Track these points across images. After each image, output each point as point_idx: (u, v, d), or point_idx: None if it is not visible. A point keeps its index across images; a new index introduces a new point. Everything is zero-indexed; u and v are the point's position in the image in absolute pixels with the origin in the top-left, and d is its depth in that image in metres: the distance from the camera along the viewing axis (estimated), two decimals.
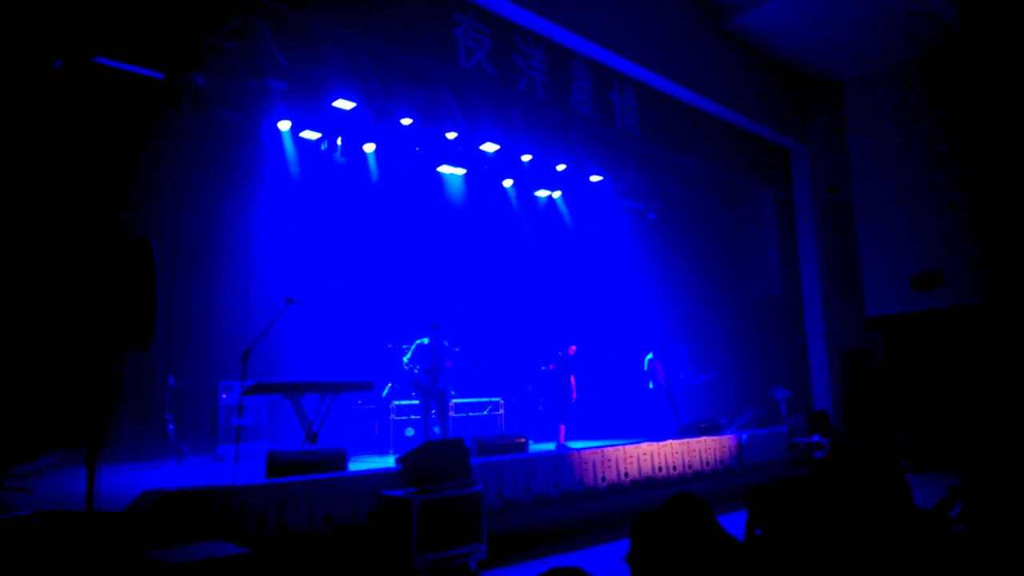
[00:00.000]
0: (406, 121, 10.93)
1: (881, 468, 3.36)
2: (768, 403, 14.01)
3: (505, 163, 13.24)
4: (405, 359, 10.60)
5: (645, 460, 9.93)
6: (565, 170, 13.40)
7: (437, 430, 10.50)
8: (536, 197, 15.55)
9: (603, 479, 9.33)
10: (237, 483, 6.33)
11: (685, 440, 10.73)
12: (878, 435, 14.49)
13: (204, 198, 11.29)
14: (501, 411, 12.86)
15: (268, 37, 8.62)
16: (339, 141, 12.04)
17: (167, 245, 10.67)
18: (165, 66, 9.04)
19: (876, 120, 15.55)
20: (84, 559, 5.30)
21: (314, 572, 6.45)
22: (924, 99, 14.87)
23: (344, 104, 10.32)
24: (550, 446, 11.41)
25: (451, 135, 11.63)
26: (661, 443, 10.33)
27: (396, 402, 11.58)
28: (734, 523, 4.56)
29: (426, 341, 10.48)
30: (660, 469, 10.09)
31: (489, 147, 12.27)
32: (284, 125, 11.32)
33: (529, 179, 14.45)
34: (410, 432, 11.47)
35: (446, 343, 10.59)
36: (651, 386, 12.75)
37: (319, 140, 12.00)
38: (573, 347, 11.86)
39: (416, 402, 11.68)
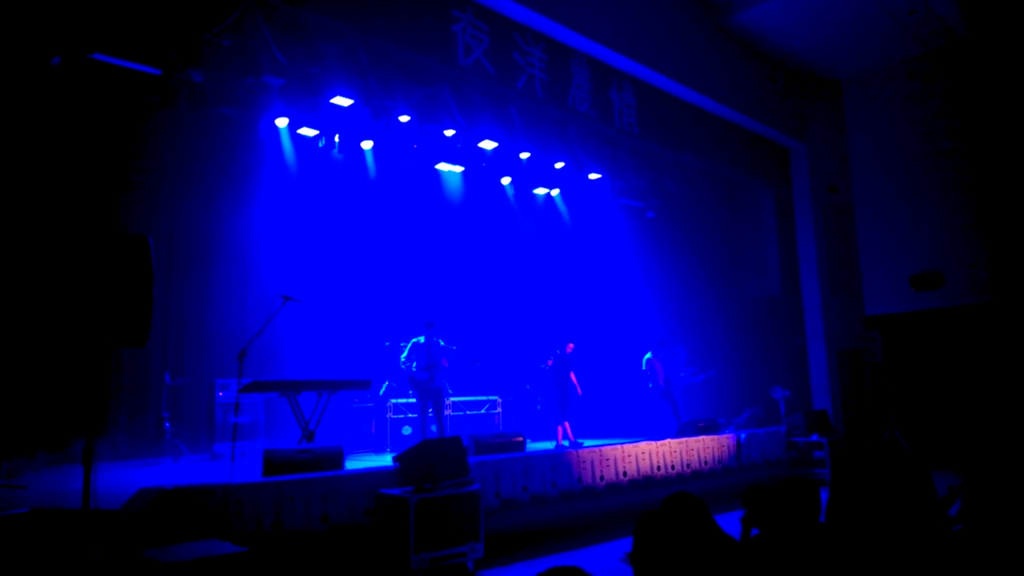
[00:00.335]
0: (404, 118, 10.88)
1: (909, 469, 3.35)
2: (767, 402, 14.00)
3: (503, 161, 13.20)
4: (402, 357, 10.58)
5: (644, 459, 9.91)
6: (563, 168, 13.36)
7: (434, 428, 10.48)
8: (534, 195, 15.52)
9: (601, 478, 9.30)
10: (234, 481, 6.30)
11: (684, 439, 10.70)
12: (877, 434, 14.48)
13: (201, 195, 11.26)
14: (499, 410, 12.83)
15: (266, 33, 8.58)
16: (337, 138, 12.00)
17: (164, 242, 10.64)
18: (162, 63, 9.00)
19: (876, 119, 15.53)
20: (80, 557, 5.28)
21: (311, 571, 6.42)
22: (924, 98, 14.85)
23: (342, 101, 10.27)
24: (548, 445, 11.39)
25: (449, 132, 11.59)
26: (660, 442, 10.31)
27: (393, 400, 11.56)
28: (733, 523, 4.54)
29: (422, 339, 10.46)
30: (659, 468, 10.06)
31: (487, 144, 12.23)
32: (282, 122, 11.28)
33: (527, 177, 14.42)
34: (407, 431, 11.45)
35: (441, 342, 10.57)
36: (650, 385, 12.72)
37: (317, 137, 11.96)
38: (571, 345, 11.83)
39: (413, 400, 11.66)
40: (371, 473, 7.20)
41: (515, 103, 10.87)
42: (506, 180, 14.70)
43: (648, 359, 12.76)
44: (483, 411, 12.67)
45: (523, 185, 15.10)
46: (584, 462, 9.16)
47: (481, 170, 13.85)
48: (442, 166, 13.92)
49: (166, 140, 10.87)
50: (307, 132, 11.84)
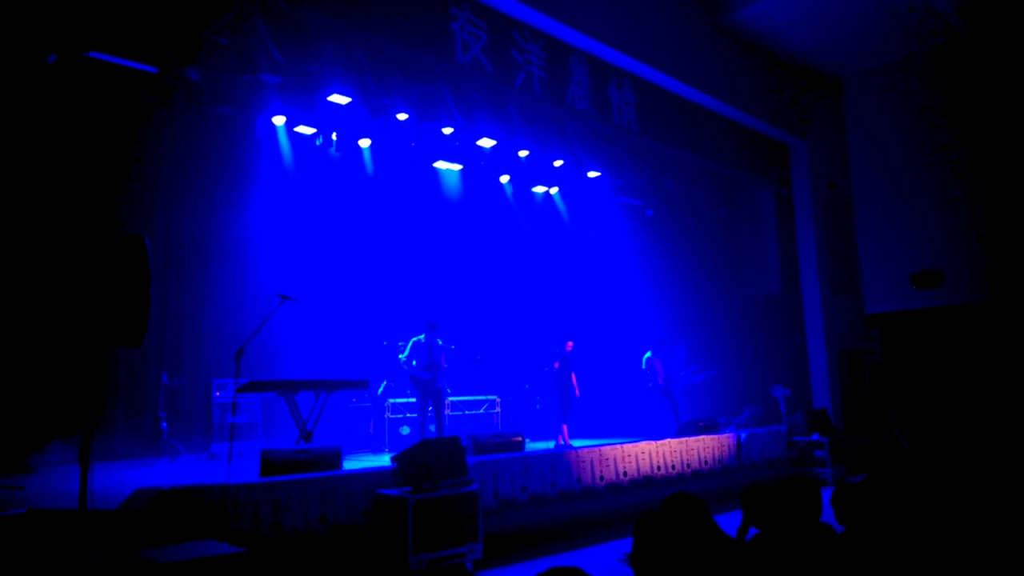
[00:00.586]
0: (402, 116, 10.85)
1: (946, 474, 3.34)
2: (767, 401, 13.97)
3: (502, 159, 13.17)
4: (402, 356, 10.55)
5: (644, 459, 9.88)
6: (562, 166, 13.33)
7: (433, 428, 10.44)
8: (533, 193, 15.50)
9: (601, 478, 9.27)
10: (231, 482, 6.27)
11: (684, 439, 10.67)
12: (878, 433, 14.46)
13: (198, 194, 11.24)
14: (497, 409, 12.81)
15: (263, 31, 8.55)
16: (334, 136, 11.96)
17: (160, 241, 10.62)
18: (159, 61, 8.97)
19: (876, 116, 15.50)
20: (77, 557, 5.25)
21: (309, 572, 6.39)
22: (924, 95, 14.82)
23: (339, 99, 10.25)
24: (547, 445, 11.36)
25: (447, 130, 11.56)
26: (660, 442, 10.28)
27: (391, 400, 11.53)
28: (733, 522, 4.51)
29: (422, 338, 10.42)
30: (659, 468, 10.03)
31: (486, 142, 12.20)
32: (279, 120, 11.24)
33: (526, 175, 14.39)
34: (405, 430, 11.42)
35: (440, 342, 10.53)
36: (650, 384, 12.69)
37: (314, 135, 11.93)
38: (570, 343, 11.80)
39: (412, 400, 11.64)
40: (369, 473, 7.16)
41: (513, 101, 10.84)
42: (505, 178, 14.68)
43: (648, 358, 12.73)
44: (482, 411, 12.64)
45: (522, 183, 15.07)
46: (584, 462, 9.13)
47: (479, 168, 13.81)
48: (440, 164, 13.89)
49: (163, 138, 10.85)
50: (304, 130, 11.81)
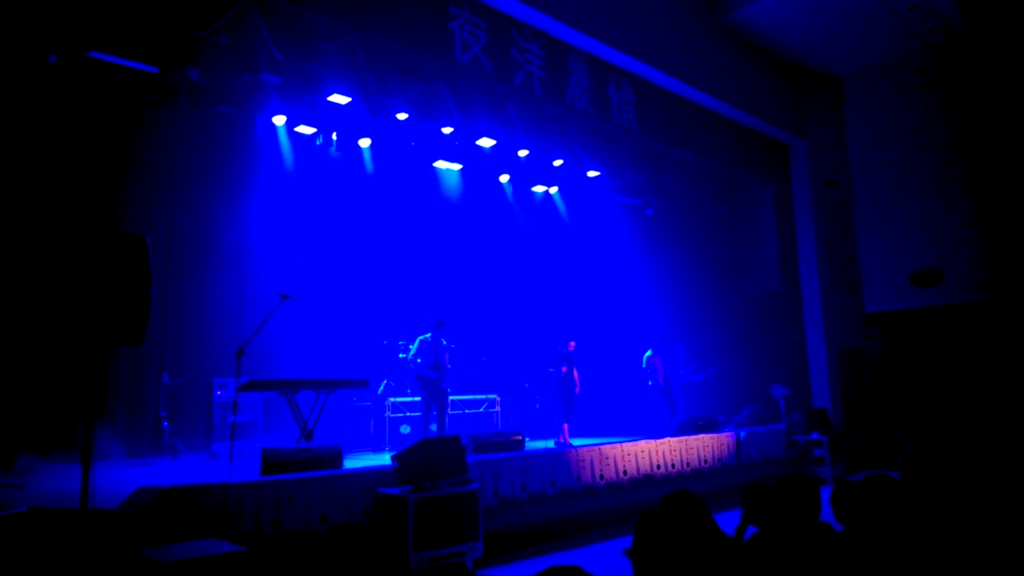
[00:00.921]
0: (402, 116, 10.86)
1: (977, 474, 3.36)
2: (767, 400, 13.99)
3: (502, 158, 13.16)
4: (409, 355, 10.57)
5: (643, 458, 9.90)
6: (562, 165, 13.34)
7: (434, 428, 10.46)
8: (533, 192, 15.50)
9: (601, 477, 9.28)
10: (232, 480, 6.29)
11: (683, 438, 10.69)
12: (877, 432, 14.47)
13: (199, 193, 11.25)
14: (497, 408, 12.82)
15: (263, 31, 8.57)
16: (334, 136, 11.96)
17: (161, 241, 10.61)
18: (159, 60, 8.98)
19: (876, 115, 15.50)
20: (78, 556, 5.26)
21: (309, 570, 6.41)
22: (924, 94, 14.82)
23: (339, 99, 10.26)
24: (547, 444, 11.36)
25: (447, 130, 11.56)
26: (659, 441, 10.30)
27: (392, 399, 11.54)
28: (733, 521, 4.52)
29: (428, 337, 10.41)
30: (659, 467, 10.05)
31: (485, 142, 12.21)
32: (279, 120, 11.25)
33: (526, 174, 14.38)
34: (405, 429, 11.43)
35: (444, 342, 10.53)
36: (649, 383, 12.70)
37: (314, 135, 11.93)
38: (572, 343, 11.80)
39: (412, 399, 11.66)
40: (370, 472, 7.18)
41: (513, 100, 10.85)
42: (504, 178, 14.68)
43: (648, 356, 12.74)
44: (482, 410, 12.66)
45: (521, 183, 15.07)
46: (583, 461, 9.15)
47: (479, 168, 13.81)
48: (440, 164, 13.90)
49: (163, 138, 10.86)
50: (305, 130, 11.82)
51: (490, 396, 12.88)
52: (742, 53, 14.00)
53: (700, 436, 10.93)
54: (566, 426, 11.39)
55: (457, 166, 14.08)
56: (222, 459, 9.55)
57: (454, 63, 9.37)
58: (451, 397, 11.94)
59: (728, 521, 4.01)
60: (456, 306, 13.75)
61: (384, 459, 8.69)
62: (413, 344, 10.58)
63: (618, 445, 9.70)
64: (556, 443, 11.22)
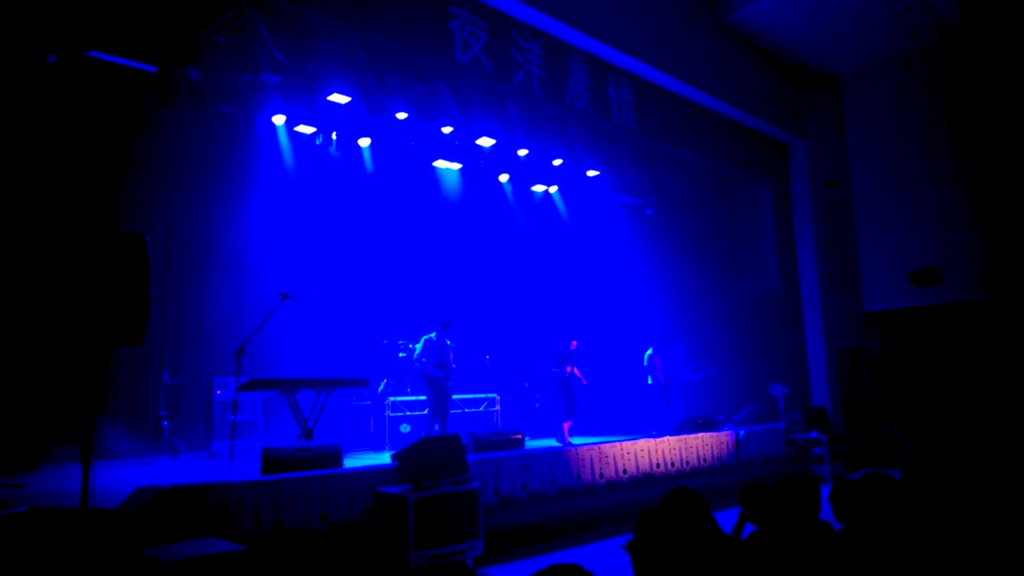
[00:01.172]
0: (402, 115, 10.86)
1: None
2: (766, 399, 14.00)
3: (501, 158, 13.17)
4: (414, 354, 10.58)
5: (643, 457, 9.91)
6: (562, 165, 13.35)
7: (436, 427, 10.47)
8: (532, 192, 15.51)
9: (601, 476, 9.30)
10: (232, 480, 6.29)
11: (683, 436, 10.70)
12: (876, 431, 14.49)
13: (198, 193, 11.25)
14: (497, 407, 12.82)
15: (263, 31, 8.57)
16: (334, 135, 11.97)
17: (161, 240, 10.62)
18: (159, 60, 8.99)
19: (874, 114, 15.52)
20: (78, 556, 5.26)
21: (309, 570, 6.41)
22: (923, 93, 14.84)
23: (339, 98, 10.26)
24: (546, 443, 11.36)
25: (447, 129, 11.57)
26: (659, 439, 10.31)
27: (391, 398, 11.54)
28: (732, 520, 4.53)
29: (433, 336, 10.40)
30: (658, 466, 10.06)
31: (485, 141, 12.22)
32: (279, 119, 11.25)
33: (525, 174, 14.39)
34: (405, 428, 11.44)
35: (448, 342, 10.52)
36: (649, 381, 12.71)
37: (314, 134, 11.94)
38: (574, 342, 11.79)
39: (412, 398, 11.67)
40: (370, 471, 7.19)
41: (513, 100, 10.86)
42: (504, 177, 14.69)
43: (649, 355, 12.75)
44: (482, 409, 12.66)
45: (521, 182, 15.08)
46: (583, 460, 9.16)
47: (479, 167, 13.82)
48: (440, 163, 13.90)
49: (163, 138, 10.87)
50: (304, 129, 11.83)
51: (490, 395, 12.89)
52: (741, 53, 14.01)
53: (699, 435, 10.95)
54: (566, 425, 11.40)
55: (457, 165, 14.09)
56: (222, 458, 9.55)
57: (454, 63, 9.37)
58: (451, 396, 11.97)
59: (727, 519, 4.03)
60: (456, 305, 13.75)
61: (384, 458, 8.69)
62: (417, 344, 10.57)
63: (618, 444, 9.72)
64: (562, 442, 11.19)
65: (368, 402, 11.63)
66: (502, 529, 7.87)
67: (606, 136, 12.49)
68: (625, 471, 9.62)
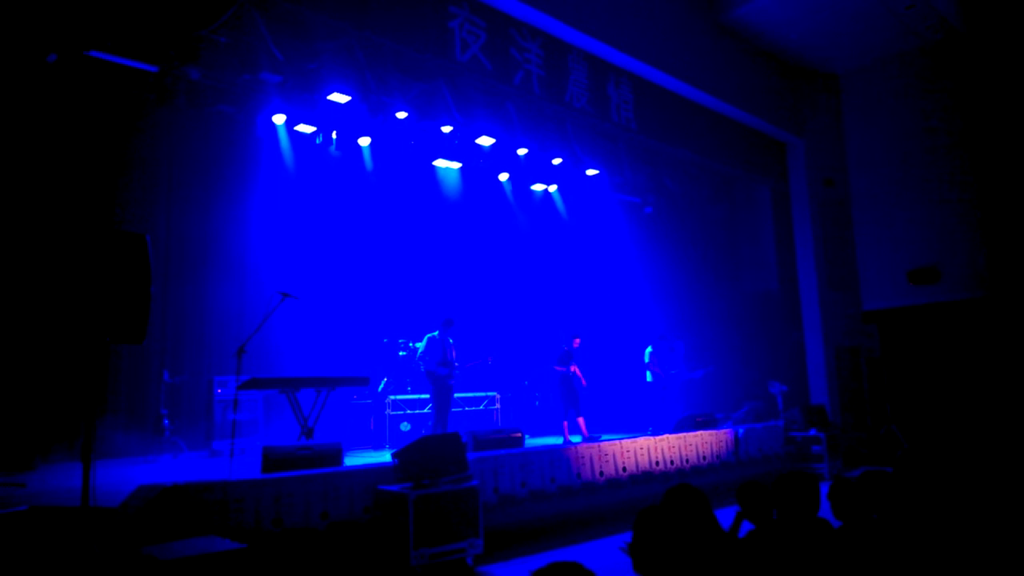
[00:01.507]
0: (401, 115, 10.88)
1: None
2: (765, 397, 14.02)
3: (501, 157, 13.19)
4: (418, 353, 10.59)
5: (642, 455, 9.93)
6: (561, 164, 13.38)
7: (431, 424, 10.48)
8: (532, 191, 15.53)
9: (601, 474, 9.31)
10: (233, 478, 6.31)
11: (682, 434, 10.72)
12: (875, 429, 14.51)
13: (199, 192, 11.27)
14: (497, 406, 12.85)
15: (263, 30, 8.58)
16: (334, 135, 11.99)
17: (161, 239, 10.64)
18: (159, 59, 9.00)
19: (873, 113, 15.53)
20: (79, 554, 5.28)
21: (310, 568, 6.43)
22: (922, 92, 14.85)
23: (339, 98, 10.28)
24: (546, 441, 11.36)
25: (447, 129, 11.60)
26: (659, 437, 10.33)
27: (392, 397, 11.56)
28: (730, 518, 4.55)
29: (436, 334, 10.41)
30: (657, 464, 10.08)
31: (485, 141, 12.24)
32: (279, 119, 11.27)
33: (525, 173, 14.40)
34: (406, 427, 11.46)
35: (451, 340, 10.53)
36: (649, 379, 12.73)
37: (314, 134, 11.96)
38: (577, 339, 11.80)
39: (412, 396, 11.69)
40: (370, 470, 7.20)
41: (512, 99, 10.87)
42: (504, 176, 14.70)
43: (650, 352, 12.78)
44: (482, 407, 12.69)
45: (521, 181, 15.09)
46: (583, 458, 9.18)
47: (479, 166, 13.84)
48: (440, 162, 13.92)
49: (163, 137, 10.88)
50: (305, 129, 11.84)
51: (490, 393, 12.91)
52: (740, 52, 14.02)
53: (699, 433, 10.97)
54: (566, 424, 11.41)
55: (457, 165, 14.10)
56: (223, 457, 9.57)
57: (454, 62, 9.39)
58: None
59: (726, 517, 4.05)
60: (456, 304, 13.76)
61: (384, 456, 8.72)
62: (420, 342, 10.58)
63: (617, 442, 9.74)
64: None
65: (368, 400, 11.65)
66: (502, 527, 7.88)
67: (605, 135, 12.50)
68: (625, 469, 9.64)
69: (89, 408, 5.95)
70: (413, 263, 13.56)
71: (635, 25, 11.53)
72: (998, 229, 13.78)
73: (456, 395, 12.06)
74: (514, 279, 15.29)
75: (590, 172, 13.90)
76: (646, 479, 9.83)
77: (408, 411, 11.60)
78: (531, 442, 10.55)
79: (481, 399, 12.74)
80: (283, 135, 11.74)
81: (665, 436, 10.47)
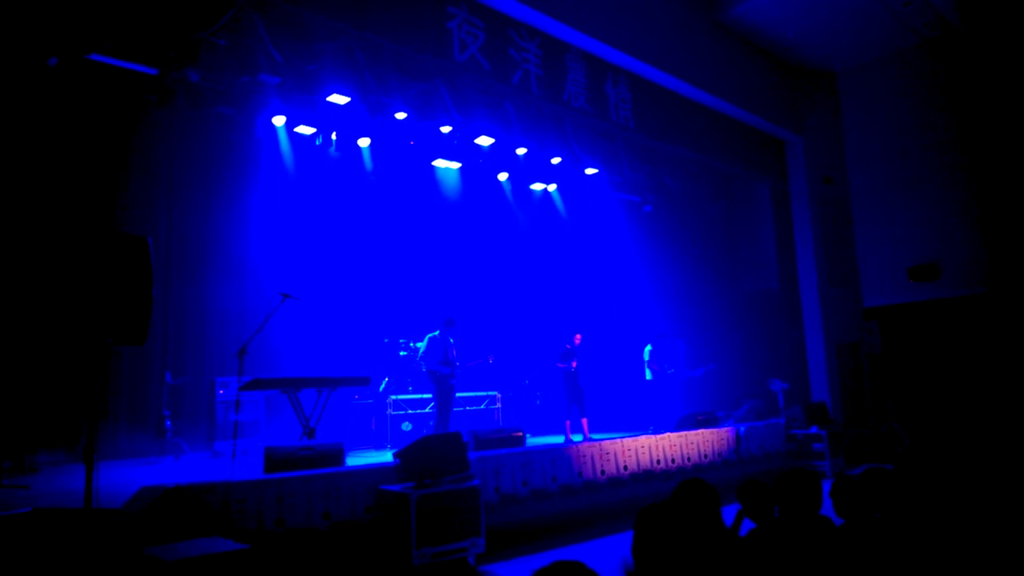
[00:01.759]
0: (401, 115, 10.89)
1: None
2: (766, 395, 14.02)
3: (500, 157, 13.20)
4: (419, 353, 10.60)
5: (644, 453, 9.94)
6: (560, 163, 13.39)
7: (432, 424, 10.49)
8: (531, 190, 15.53)
9: (602, 472, 9.33)
10: (235, 479, 6.33)
11: (683, 433, 10.73)
12: (876, 426, 14.52)
13: (199, 194, 11.27)
14: (498, 405, 12.86)
15: (262, 32, 8.59)
16: (334, 136, 11.99)
17: (162, 241, 10.66)
18: (159, 62, 9.01)
19: (872, 110, 15.54)
20: (82, 556, 5.29)
21: (312, 568, 6.44)
22: (920, 89, 14.86)
23: (339, 99, 10.29)
24: (547, 440, 11.37)
25: (446, 129, 11.61)
26: (660, 436, 10.34)
27: (393, 397, 11.58)
28: (731, 516, 4.56)
29: (437, 334, 10.42)
30: (659, 462, 10.10)
31: (484, 141, 12.25)
32: (279, 120, 11.27)
33: (524, 172, 14.40)
34: (407, 426, 11.47)
35: (452, 340, 10.54)
36: (648, 377, 12.74)
37: (314, 135, 11.96)
38: (578, 336, 11.80)
39: (413, 396, 11.70)
40: (372, 470, 7.22)
41: (511, 99, 10.88)
42: (503, 176, 14.70)
43: (649, 351, 12.79)
44: (483, 406, 12.70)
45: (520, 181, 15.09)
46: (584, 456, 9.19)
47: (478, 166, 13.84)
48: (439, 162, 13.92)
49: (163, 139, 10.89)
50: (304, 130, 11.85)
51: (491, 393, 12.92)
52: (739, 50, 14.03)
53: (700, 431, 10.98)
54: (568, 423, 11.42)
55: (456, 165, 14.11)
56: (225, 458, 9.58)
57: (452, 62, 9.40)
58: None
59: (727, 516, 4.05)
60: (456, 304, 13.77)
61: (386, 456, 8.73)
62: (422, 342, 10.59)
63: (618, 441, 9.75)
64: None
65: (370, 400, 11.67)
66: (504, 526, 7.90)
67: (604, 134, 12.51)
68: (626, 468, 9.65)
69: (91, 410, 5.97)
70: (413, 263, 13.57)
71: (633, 24, 11.53)
72: (998, 225, 13.79)
73: (457, 394, 12.11)
74: (514, 278, 15.30)
75: (589, 171, 13.90)
76: (647, 478, 9.84)
77: (409, 411, 11.61)
78: (532, 441, 10.56)
79: (482, 398, 12.75)
80: (283, 136, 11.74)
81: (666, 435, 10.48)
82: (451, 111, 10.42)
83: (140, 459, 9.92)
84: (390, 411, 11.46)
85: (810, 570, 3.38)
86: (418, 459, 6.98)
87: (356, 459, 8.80)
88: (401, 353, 12.24)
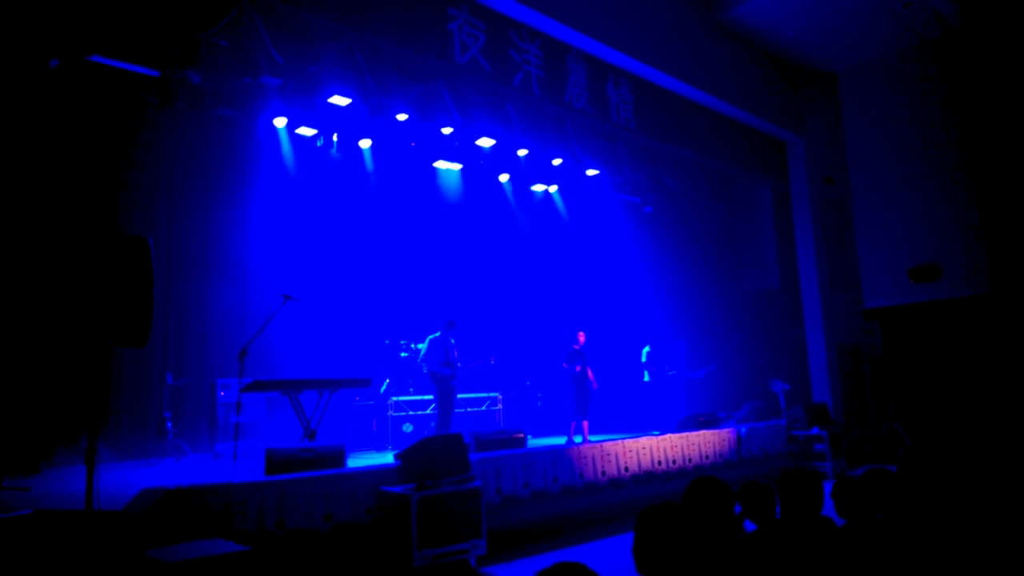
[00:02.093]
0: (402, 116, 10.90)
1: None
2: (767, 396, 14.02)
3: (501, 158, 13.21)
4: (420, 354, 10.60)
5: (645, 454, 9.93)
6: (561, 164, 13.40)
7: (433, 425, 10.49)
8: (532, 192, 15.54)
9: (603, 473, 9.32)
10: (236, 481, 6.32)
11: (685, 434, 10.72)
12: (877, 427, 14.51)
13: (200, 195, 11.28)
14: (499, 406, 12.86)
15: (263, 34, 8.60)
16: (335, 137, 12.00)
17: (163, 242, 10.66)
18: (160, 64, 9.03)
19: (873, 111, 15.53)
20: (83, 558, 5.29)
21: (314, 570, 6.44)
22: (921, 89, 14.85)
23: (340, 100, 10.30)
24: (548, 441, 11.38)
25: (447, 130, 11.61)
26: (660, 437, 10.33)
27: (394, 398, 11.58)
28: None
29: (438, 335, 10.42)
30: (660, 463, 10.09)
31: (485, 142, 12.26)
32: (280, 122, 11.28)
33: (525, 174, 14.40)
34: (408, 428, 11.48)
35: (453, 341, 10.54)
36: (647, 378, 12.73)
37: (315, 136, 11.97)
38: (582, 334, 11.78)
39: (414, 398, 11.70)
40: (373, 471, 7.21)
41: (512, 100, 10.88)
42: (504, 177, 14.71)
43: (648, 352, 12.78)
44: (484, 408, 12.70)
45: (521, 182, 15.10)
46: (585, 458, 9.18)
47: (479, 167, 13.85)
48: (440, 164, 13.93)
49: (165, 141, 10.90)
50: (305, 131, 11.85)
51: (492, 394, 12.93)
52: (739, 51, 14.03)
53: (701, 432, 10.97)
54: (573, 424, 11.42)
55: (457, 166, 14.12)
56: (226, 459, 9.59)
57: (453, 64, 9.40)
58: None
59: None
60: (457, 305, 13.78)
61: (387, 458, 8.72)
62: (423, 343, 10.59)
63: (620, 442, 9.74)
64: (568, 440, 11.18)
65: (371, 402, 11.67)
66: (505, 528, 7.89)
67: (605, 135, 12.52)
68: (627, 469, 9.64)
69: (92, 411, 5.97)
70: (414, 264, 13.58)
71: (634, 25, 11.53)
72: (999, 226, 13.78)
73: (459, 396, 12.11)
74: (515, 280, 15.31)
75: (590, 172, 13.91)
76: (648, 479, 9.83)
77: (410, 412, 11.61)
78: (533, 442, 10.56)
79: (483, 400, 12.76)
80: (284, 138, 11.75)
81: (667, 436, 10.47)
82: (452, 112, 10.43)
83: (141, 460, 9.93)
84: (391, 412, 11.46)
85: (812, 571, 3.37)
86: (419, 460, 6.98)
87: (357, 460, 8.80)
88: (402, 354, 12.24)
